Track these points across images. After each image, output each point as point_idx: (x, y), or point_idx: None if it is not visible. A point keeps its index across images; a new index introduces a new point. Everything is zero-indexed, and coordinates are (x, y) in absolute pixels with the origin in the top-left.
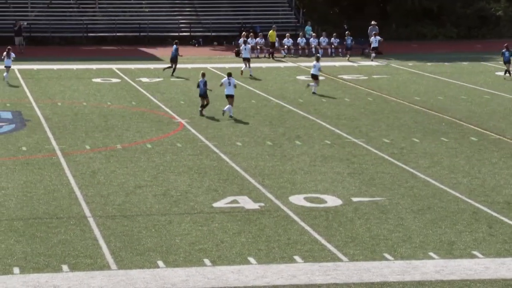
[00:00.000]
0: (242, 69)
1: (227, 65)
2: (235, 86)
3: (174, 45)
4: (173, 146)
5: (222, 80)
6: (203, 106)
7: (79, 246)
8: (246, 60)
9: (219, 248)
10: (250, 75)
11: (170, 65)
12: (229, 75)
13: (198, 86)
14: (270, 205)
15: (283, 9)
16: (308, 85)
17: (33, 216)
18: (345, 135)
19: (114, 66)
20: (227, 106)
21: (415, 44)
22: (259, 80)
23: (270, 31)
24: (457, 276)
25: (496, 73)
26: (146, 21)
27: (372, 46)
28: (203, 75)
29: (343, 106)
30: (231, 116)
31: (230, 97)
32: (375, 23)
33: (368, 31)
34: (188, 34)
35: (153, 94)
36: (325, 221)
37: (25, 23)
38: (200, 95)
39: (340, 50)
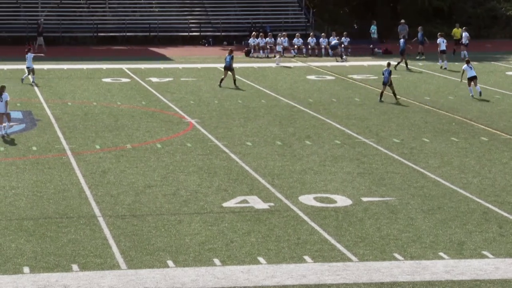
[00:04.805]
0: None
1: (237, 65)
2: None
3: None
4: (183, 146)
5: (463, 67)
6: (393, 93)
7: (89, 246)
8: (402, 54)
9: (229, 248)
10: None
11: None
12: (468, 62)
13: (383, 74)
14: (280, 205)
15: (293, 9)
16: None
17: (43, 215)
18: (355, 135)
19: (124, 66)
20: (470, 87)
21: (425, 43)
22: (269, 79)
23: (454, 29)
24: (467, 276)
25: (507, 73)
26: (156, 21)
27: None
28: (389, 64)
29: (353, 106)
30: (472, 96)
31: (472, 79)
32: (404, 21)
33: (398, 29)
34: (198, 34)
35: (163, 94)
36: (335, 221)
37: (42, 19)
38: (384, 83)
39: (349, 49)
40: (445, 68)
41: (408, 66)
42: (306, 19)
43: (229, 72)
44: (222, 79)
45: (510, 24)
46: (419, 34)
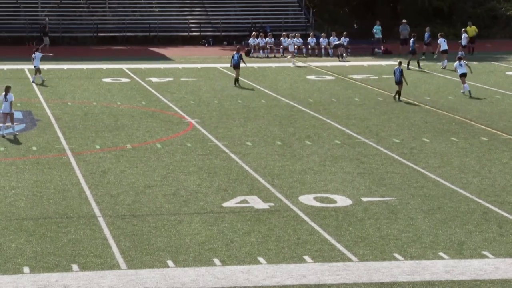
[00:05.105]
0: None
1: None
2: (468, 66)
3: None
4: (183, 146)
5: (455, 64)
6: (399, 93)
7: (89, 246)
8: (413, 53)
9: (229, 248)
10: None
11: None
12: (459, 59)
13: (394, 73)
14: (280, 205)
15: (293, 9)
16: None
17: (43, 215)
18: (355, 135)
19: (124, 66)
20: (464, 85)
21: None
22: (268, 79)
23: (468, 27)
24: (467, 276)
25: (507, 73)
26: (156, 21)
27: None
28: (400, 63)
29: (353, 106)
30: (469, 92)
31: (463, 76)
32: (406, 21)
33: (400, 29)
34: (198, 34)
35: (163, 94)
36: (335, 221)
37: (47, 19)
38: (396, 82)
39: (349, 49)
40: (445, 67)
41: (409, 66)
42: (306, 19)
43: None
44: (235, 78)
45: (510, 24)
46: (426, 35)
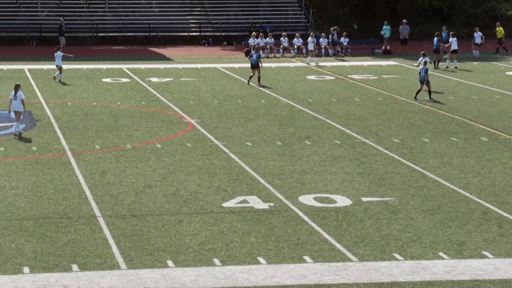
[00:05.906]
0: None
1: (236, 65)
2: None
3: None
4: (183, 146)
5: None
6: (429, 92)
7: (88, 246)
8: (436, 52)
9: (229, 248)
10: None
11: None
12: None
13: (419, 73)
14: (280, 205)
15: (293, 9)
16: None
17: (43, 215)
18: (355, 135)
19: (124, 66)
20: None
21: (425, 43)
22: (269, 80)
23: (498, 28)
24: (467, 276)
25: (507, 73)
26: (156, 21)
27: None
28: (425, 63)
29: (353, 106)
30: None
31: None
32: (406, 21)
33: (400, 29)
34: (198, 34)
35: (162, 94)
36: (335, 221)
37: (62, 19)
38: (421, 82)
39: (349, 49)
40: (456, 67)
41: (438, 64)
42: (306, 19)
43: (255, 70)
44: (251, 77)
45: (510, 24)
46: (444, 34)
